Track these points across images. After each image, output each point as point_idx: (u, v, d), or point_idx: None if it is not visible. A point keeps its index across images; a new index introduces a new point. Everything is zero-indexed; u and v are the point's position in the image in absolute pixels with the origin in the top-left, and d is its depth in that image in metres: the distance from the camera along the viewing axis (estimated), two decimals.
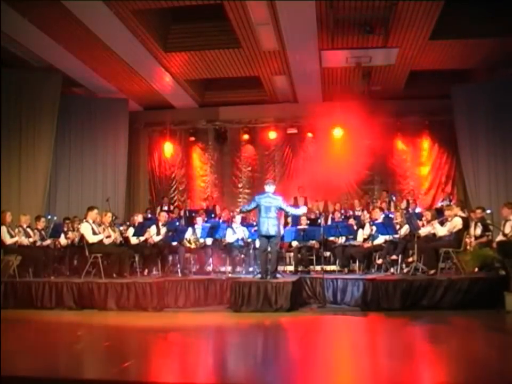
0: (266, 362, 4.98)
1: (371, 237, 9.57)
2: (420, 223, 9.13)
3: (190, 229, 10.30)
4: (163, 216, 10.21)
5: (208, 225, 10.24)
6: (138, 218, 10.64)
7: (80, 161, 12.54)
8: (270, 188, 8.55)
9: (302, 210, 9.16)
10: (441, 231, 8.61)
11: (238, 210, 11.16)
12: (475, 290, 7.57)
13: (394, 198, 12.36)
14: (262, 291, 7.98)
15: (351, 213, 11.84)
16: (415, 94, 12.61)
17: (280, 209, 8.49)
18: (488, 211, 9.64)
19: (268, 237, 8.35)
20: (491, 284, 7.56)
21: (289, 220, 11.23)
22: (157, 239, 9.70)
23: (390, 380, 4.19)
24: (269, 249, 8.38)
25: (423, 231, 8.88)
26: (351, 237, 9.88)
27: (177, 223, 11.01)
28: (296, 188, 13.56)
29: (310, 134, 13.77)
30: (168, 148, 14.57)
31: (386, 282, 7.93)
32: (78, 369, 4.71)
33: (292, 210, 8.90)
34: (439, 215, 9.31)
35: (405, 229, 9.30)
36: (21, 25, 8.98)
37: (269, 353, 5.44)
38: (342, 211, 12.12)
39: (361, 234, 9.90)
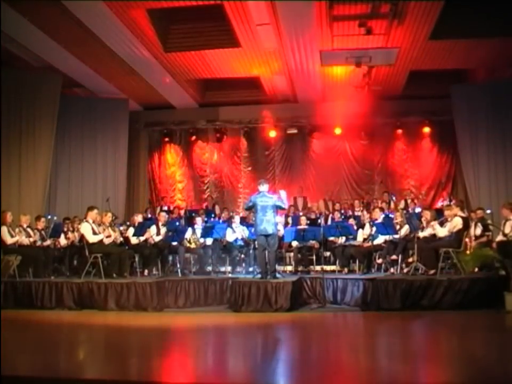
0: (266, 362, 4.97)
1: (371, 237, 9.57)
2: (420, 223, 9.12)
3: (190, 229, 10.30)
4: (163, 216, 10.21)
5: (208, 225, 10.29)
6: (138, 218, 10.63)
7: (80, 161, 12.55)
8: (263, 187, 8.54)
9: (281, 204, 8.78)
10: (442, 232, 8.59)
11: (241, 214, 11.22)
12: (475, 290, 7.55)
13: (394, 198, 12.36)
14: (262, 291, 7.98)
15: (351, 213, 11.84)
16: (415, 94, 12.61)
17: (277, 207, 8.47)
18: (488, 211, 9.65)
19: (266, 236, 8.36)
20: (491, 284, 7.55)
21: (290, 220, 11.25)
22: (157, 239, 9.70)
23: (390, 380, 4.19)
24: (267, 248, 8.39)
25: (423, 234, 8.86)
26: (351, 237, 9.86)
27: (177, 223, 11.00)
28: (296, 187, 13.56)
29: (310, 134, 13.79)
30: (168, 148, 14.59)
31: (386, 282, 7.92)
32: (78, 369, 4.71)
33: (279, 203, 8.57)
34: (439, 215, 9.31)
35: (405, 229, 9.30)
36: (21, 25, 8.98)
37: (269, 353, 5.44)
38: (342, 211, 12.12)
39: (361, 234, 9.88)
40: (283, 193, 8.86)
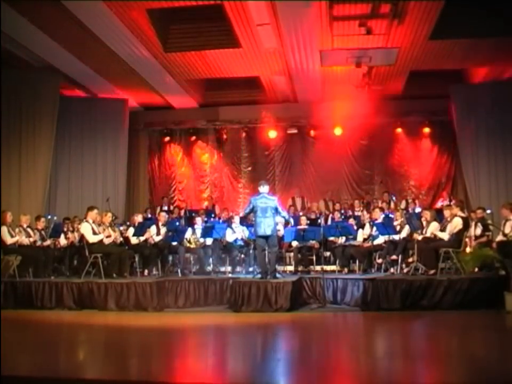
0: (266, 362, 4.98)
1: (371, 237, 9.57)
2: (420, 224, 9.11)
3: (189, 229, 10.31)
4: (163, 216, 10.21)
5: (208, 225, 10.29)
6: (138, 218, 10.64)
7: (80, 161, 12.54)
8: (264, 188, 8.55)
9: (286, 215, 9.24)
10: (445, 236, 8.57)
11: (241, 215, 11.24)
12: (475, 290, 7.56)
13: (394, 198, 12.36)
14: (262, 291, 7.98)
15: (351, 213, 11.84)
16: (415, 94, 12.61)
17: (276, 210, 8.49)
18: (488, 211, 9.64)
19: (265, 237, 8.36)
20: (491, 284, 7.56)
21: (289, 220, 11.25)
22: (157, 239, 9.70)
23: (390, 380, 4.19)
24: (267, 249, 8.39)
25: (422, 236, 8.83)
26: (351, 237, 9.87)
27: (177, 223, 11.00)
28: (296, 188, 13.55)
29: (310, 134, 13.79)
30: (168, 148, 14.59)
31: (386, 282, 7.93)
32: (78, 369, 4.71)
33: (283, 214, 8.98)
34: (439, 215, 9.31)
35: (406, 230, 9.29)
36: (21, 25, 8.97)
37: (269, 353, 5.44)
38: (342, 211, 12.12)
39: (361, 234, 9.89)
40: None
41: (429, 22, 9.13)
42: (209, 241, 10.14)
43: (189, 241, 10.10)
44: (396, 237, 9.26)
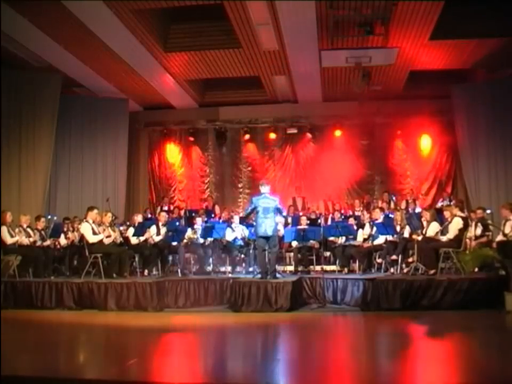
0: (266, 362, 4.97)
1: (371, 237, 9.57)
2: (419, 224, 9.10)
3: (189, 229, 10.31)
4: (163, 216, 10.21)
5: (208, 225, 10.30)
6: (138, 218, 10.63)
7: (80, 161, 12.54)
8: (265, 189, 8.54)
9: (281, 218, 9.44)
10: (448, 238, 8.55)
11: (241, 214, 11.25)
12: (475, 290, 7.56)
13: (394, 198, 12.36)
14: (262, 291, 7.98)
15: (351, 213, 11.84)
16: (415, 94, 12.60)
17: (277, 210, 8.49)
18: (488, 211, 9.64)
19: (266, 237, 8.36)
20: (491, 284, 7.55)
21: (290, 220, 11.25)
22: (157, 239, 9.70)
23: (390, 380, 4.19)
24: (268, 249, 8.39)
25: (421, 237, 8.82)
26: (351, 237, 9.87)
27: (177, 223, 11.00)
28: (296, 188, 13.56)
29: (309, 134, 13.80)
30: (168, 148, 14.59)
31: (386, 282, 7.93)
32: (78, 369, 4.71)
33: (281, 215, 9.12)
34: (439, 215, 9.31)
35: (408, 231, 9.28)
36: (21, 25, 8.98)
37: (269, 353, 5.44)
38: (342, 211, 12.12)
39: (361, 234, 9.89)
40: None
41: (429, 22, 9.14)
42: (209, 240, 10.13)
43: (189, 238, 10.12)
44: (396, 237, 9.26)
